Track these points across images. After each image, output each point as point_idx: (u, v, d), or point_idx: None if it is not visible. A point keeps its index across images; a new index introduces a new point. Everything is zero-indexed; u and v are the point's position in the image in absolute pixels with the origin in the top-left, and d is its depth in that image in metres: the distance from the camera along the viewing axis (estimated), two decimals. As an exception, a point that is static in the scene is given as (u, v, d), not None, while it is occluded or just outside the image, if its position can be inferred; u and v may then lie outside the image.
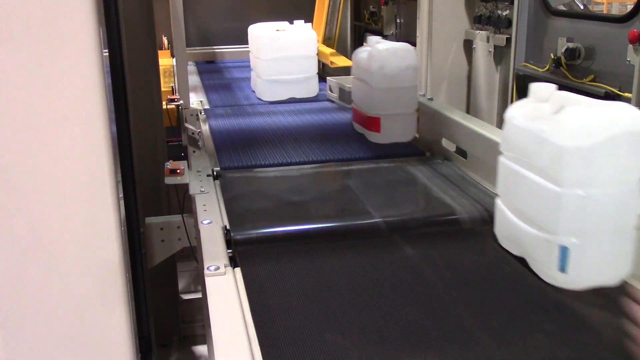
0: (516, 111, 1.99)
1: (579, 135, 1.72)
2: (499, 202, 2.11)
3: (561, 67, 3.54)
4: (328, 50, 5.38)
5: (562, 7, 3.93)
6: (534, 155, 1.87)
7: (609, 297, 1.82)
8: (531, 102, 1.98)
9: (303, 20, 4.93)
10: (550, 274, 1.86)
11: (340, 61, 5.16)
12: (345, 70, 5.51)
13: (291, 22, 4.86)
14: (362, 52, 3.48)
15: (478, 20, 4.45)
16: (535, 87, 1.99)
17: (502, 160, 2.07)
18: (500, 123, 4.19)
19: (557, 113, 1.83)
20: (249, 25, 5.11)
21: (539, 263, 1.90)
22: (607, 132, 1.71)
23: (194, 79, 5.61)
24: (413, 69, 3.34)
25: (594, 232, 1.78)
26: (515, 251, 2.04)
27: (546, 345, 1.64)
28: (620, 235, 1.80)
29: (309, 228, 2.42)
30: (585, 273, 1.81)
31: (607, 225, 1.78)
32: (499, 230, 2.12)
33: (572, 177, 1.75)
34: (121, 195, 1.94)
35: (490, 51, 4.30)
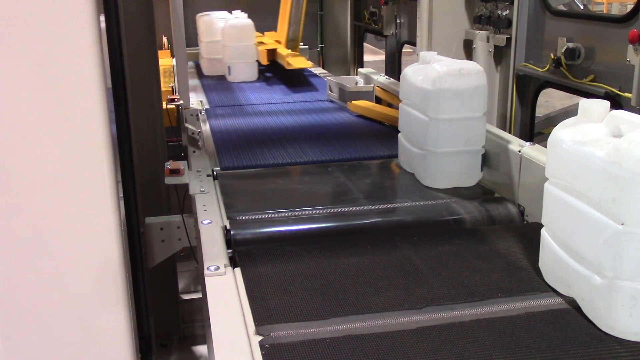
0: (564, 132, 1.78)
1: None
2: (544, 234, 1.91)
3: (561, 67, 3.54)
4: (285, 52, 5.40)
5: (562, 7, 3.94)
6: (590, 186, 1.66)
7: None
8: (581, 122, 1.77)
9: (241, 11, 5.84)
10: (608, 322, 1.65)
11: (298, 62, 5.16)
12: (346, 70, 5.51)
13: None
14: (415, 72, 2.79)
15: (478, 20, 4.45)
16: (585, 105, 1.77)
17: (549, 187, 1.87)
18: (500, 123, 4.22)
19: (617, 137, 1.64)
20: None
21: (594, 309, 1.69)
22: None
23: (193, 79, 5.63)
24: (481, 94, 2.64)
25: None
26: (563, 291, 1.84)
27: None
28: None
29: (309, 228, 2.42)
30: None
31: None
32: (544, 264, 1.93)
33: (638, 214, 1.54)
34: (121, 195, 1.94)
35: (490, 51, 4.30)
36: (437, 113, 2.61)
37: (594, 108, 1.74)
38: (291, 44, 5.53)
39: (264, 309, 1.77)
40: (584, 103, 1.78)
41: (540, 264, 1.96)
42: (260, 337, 1.63)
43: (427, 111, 2.66)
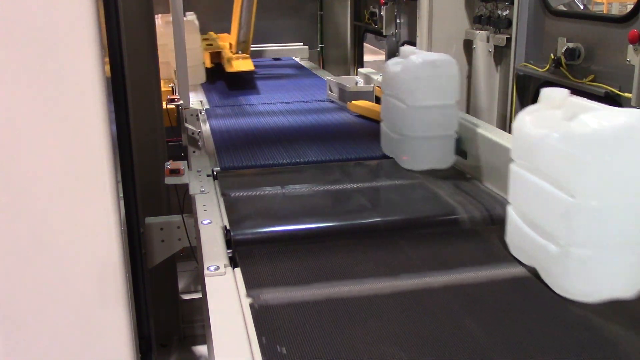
0: (527, 117, 1.96)
1: (594, 145, 1.69)
2: (510, 210, 2.10)
3: (561, 67, 3.54)
4: (228, 54, 5.39)
5: (562, 7, 3.93)
6: (547, 164, 1.84)
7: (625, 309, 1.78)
8: (542, 108, 1.94)
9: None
10: (563, 286, 1.83)
11: (240, 65, 5.17)
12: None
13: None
14: (394, 65, 3.05)
15: (478, 20, 4.45)
16: (547, 93, 1.95)
17: (513, 167, 2.05)
18: (500, 123, 4.22)
19: (570, 120, 1.79)
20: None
21: (551, 275, 1.88)
22: (622, 142, 1.68)
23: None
24: (454, 84, 2.91)
25: (609, 243, 1.76)
26: (526, 261, 2.02)
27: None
28: (637, 246, 1.77)
29: (309, 228, 2.42)
30: (601, 285, 1.79)
31: (622, 237, 1.76)
32: (510, 238, 2.11)
33: (587, 188, 1.72)
34: (121, 195, 1.94)
35: (490, 51, 4.30)
36: (413, 101, 2.87)
37: (554, 95, 1.93)
38: (242, 45, 5.52)
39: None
40: (545, 91, 1.97)
41: (506, 238, 2.13)
42: (260, 337, 1.64)
43: (405, 100, 2.90)
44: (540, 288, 1.89)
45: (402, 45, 5.96)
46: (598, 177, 1.72)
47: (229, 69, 5.19)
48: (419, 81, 2.85)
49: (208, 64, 5.45)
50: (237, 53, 5.48)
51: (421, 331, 1.72)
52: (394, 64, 3.05)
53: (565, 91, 1.91)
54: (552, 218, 1.83)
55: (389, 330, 1.73)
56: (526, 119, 1.97)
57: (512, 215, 2.08)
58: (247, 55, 5.46)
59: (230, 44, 5.67)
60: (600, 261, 1.77)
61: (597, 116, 1.74)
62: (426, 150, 2.93)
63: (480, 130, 2.87)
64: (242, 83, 5.40)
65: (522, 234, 2.01)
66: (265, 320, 1.73)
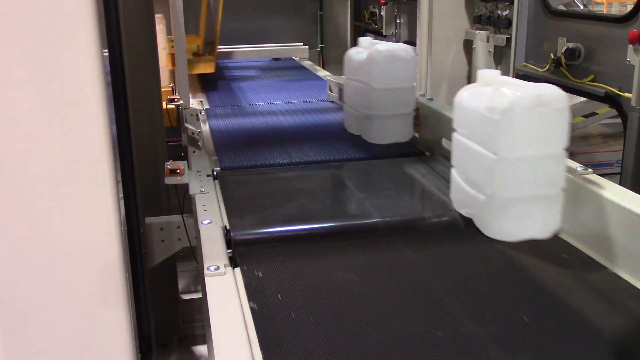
0: (465, 94, 2.33)
1: (509, 111, 2.07)
2: (452, 172, 2.44)
3: (561, 67, 3.55)
4: (188, 56, 5.35)
5: (562, 7, 3.94)
6: (477, 129, 2.23)
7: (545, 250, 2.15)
8: (478, 86, 2.30)
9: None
10: (490, 228, 2.23)
11: (199, 68, 5.13)
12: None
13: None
14: (359, 54, 3.47)
15: (478, 20, 4.45)
16: (481, 73, 2.31)
17: (455, 136, 2.40)
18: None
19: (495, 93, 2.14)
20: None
21: (481, 220, 2.27)
22: (532, 107, 2.07)
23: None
24: (412, 69, 3.38)
25: (525, 192, 2.14)
26: (465, 213, 2.38)
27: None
28: (549, 195, 2.17)
29: (309, 228, 2.42)
30: (519, 227, 2.18)
31: (535, 186, 2.14)
32: (453, 196, 2.46)
33: (504, 146, 2.11)
34: (121, 195, 1.94)
35: (490, 51, 4.30)
36: (378, 84, 3.29)
37: (488, 76, 2.28)
38: (209, 47, 5.47)
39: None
40: (481, 72, 2.32)
41: (451, 196, 2.48)
42: (261, 337, 1.64)
43: (370, 83, 3.31)
44: (472, 232, 2.29)
45: (402, 45, 5.97)
46: (513, 136, 2.10)
47: (189, 72, 5.16)
48: (382, 67, 3.27)
49: (170, 66, 5.39)
50: (203, 55, 5.44)
51: (370, 259, 2.16)
52: (356, 52, 3.48)
53: (497, 72, 2.28)
54: (481, 173, 2.22)
55: (346, 260, 2.14)
56: (464, 94, 2.33)
57: (454, 176, 2.43)
58: (211, 57, 5.39)
59: (198, 46, 5.64)
60: (518, 207, 2.16)
61: (513, 88, 2.12)
62: (389, 126, 3.37)
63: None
64: (241, 83, 5.40)
65: (461, 190, 2.38)
66: (245, 253, 2.14)
